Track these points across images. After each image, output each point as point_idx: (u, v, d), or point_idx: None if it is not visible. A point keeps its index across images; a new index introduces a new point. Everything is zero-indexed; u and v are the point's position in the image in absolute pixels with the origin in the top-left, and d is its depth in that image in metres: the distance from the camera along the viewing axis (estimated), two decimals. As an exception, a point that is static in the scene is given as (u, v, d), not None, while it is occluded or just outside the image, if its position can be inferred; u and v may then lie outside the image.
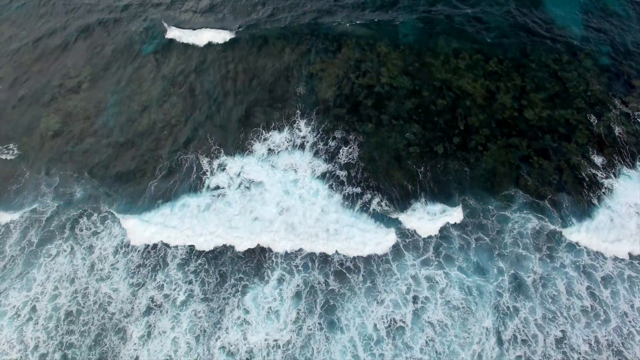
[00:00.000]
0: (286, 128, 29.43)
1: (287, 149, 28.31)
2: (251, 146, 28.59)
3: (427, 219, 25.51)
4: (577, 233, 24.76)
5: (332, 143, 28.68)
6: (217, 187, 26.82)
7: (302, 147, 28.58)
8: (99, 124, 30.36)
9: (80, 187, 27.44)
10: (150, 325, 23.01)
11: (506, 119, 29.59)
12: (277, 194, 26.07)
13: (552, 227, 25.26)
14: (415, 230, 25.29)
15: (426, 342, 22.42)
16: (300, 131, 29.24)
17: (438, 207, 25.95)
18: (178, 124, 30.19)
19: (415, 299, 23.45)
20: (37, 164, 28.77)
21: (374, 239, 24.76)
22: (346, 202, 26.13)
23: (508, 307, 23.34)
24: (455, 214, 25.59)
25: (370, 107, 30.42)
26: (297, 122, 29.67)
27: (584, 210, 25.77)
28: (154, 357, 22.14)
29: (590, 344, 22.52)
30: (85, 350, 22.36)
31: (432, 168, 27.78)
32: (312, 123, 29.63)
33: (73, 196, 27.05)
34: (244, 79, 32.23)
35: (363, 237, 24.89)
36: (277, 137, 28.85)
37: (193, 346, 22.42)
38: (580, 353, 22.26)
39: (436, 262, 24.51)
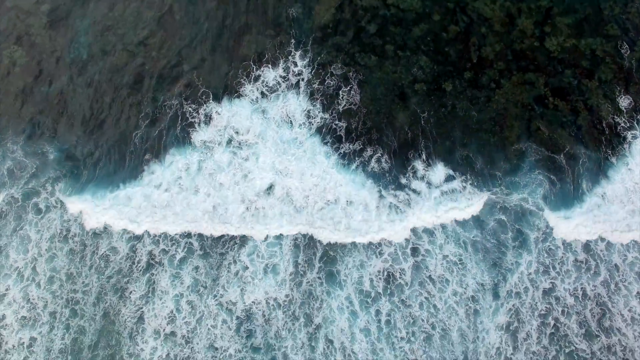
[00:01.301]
0: (280, 62, 26.47)
1: (281, 92, 25.80)
2: (241, 87, 26.00)
3: (425, 186, 24.23)
4: (590, 199, 23.71)
5: (330, 81, 26.06)
6: (206, 145, 25.01)
7: (297, 87, 26.03)
8: (71, 58, 27.26)
9: (58, 141, 25.64)
10: (150, 283, 23.50)
11: (524, 50, 26.46)
12: (271, 159, 24.39)
13: (564, 189, 24.14)
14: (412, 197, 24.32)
15: (425, 298, 23.12)
16: (296, 66, 26.37)
17: (439, 170, 24.45)
18: (159, 57, 27.07)
19: (414, 251, 23.49)
20: (10, 109, 26.55)
21: (373, 204, 23.93)
22: (344, 162, 24.67)
23: (510, 262, 23.55)
24: (457, 184, 24.28)
25: (374, 34, 26.98)
26: (292, 53, 26.57)
27: (600, 167, 24.33)
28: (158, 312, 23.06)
29: (576, 296, 23.26)
30: (90, 307, 23.20)
31: (437, 111, 25.67)
32: (308, 55, 26.56)
33: (48, 154, 25.40)
34: (230, -2, 28.08)
35: (363, 204, 24.01)
36: (269, 75, 26.10)
37: (195, 304, 23.19)
38: (566, 305, 23.11)
39: (435, 218, 24.05)
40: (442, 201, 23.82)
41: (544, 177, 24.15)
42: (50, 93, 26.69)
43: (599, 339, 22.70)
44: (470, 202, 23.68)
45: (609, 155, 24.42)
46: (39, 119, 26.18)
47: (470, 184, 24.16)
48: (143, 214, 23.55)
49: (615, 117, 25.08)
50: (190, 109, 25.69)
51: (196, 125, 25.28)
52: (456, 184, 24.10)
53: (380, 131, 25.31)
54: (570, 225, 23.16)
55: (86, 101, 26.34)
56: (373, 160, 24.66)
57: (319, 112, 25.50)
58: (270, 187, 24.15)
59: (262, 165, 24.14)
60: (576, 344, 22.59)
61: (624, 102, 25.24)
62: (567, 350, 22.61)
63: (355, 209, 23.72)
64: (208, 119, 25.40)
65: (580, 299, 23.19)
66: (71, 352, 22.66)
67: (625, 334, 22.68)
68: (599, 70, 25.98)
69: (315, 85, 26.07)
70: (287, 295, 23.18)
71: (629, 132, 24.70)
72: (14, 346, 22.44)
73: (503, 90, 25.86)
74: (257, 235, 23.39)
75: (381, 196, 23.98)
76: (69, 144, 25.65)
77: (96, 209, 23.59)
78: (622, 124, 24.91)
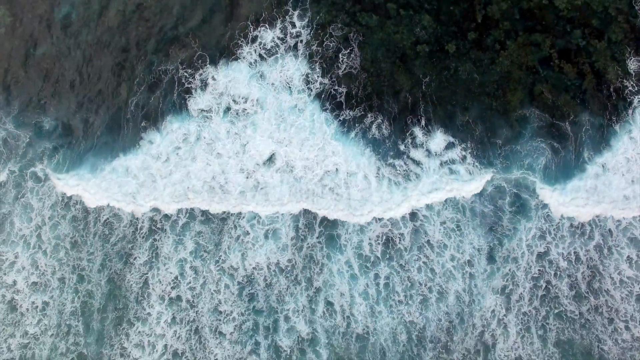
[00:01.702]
0: (278, 22, 25.44)
1: (279, 55, 25.00)
2: (238, 49, 25.16)
3: (424, 156, 24.06)
4: (591, 168, 23.67)
5: (329, 43, 25.19)
6: (203, 113, 24.53)
7: (295, 49, 25.20)
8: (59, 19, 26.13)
9: (52, 108, 25.14)
10: (154, 249, 24.05)
11: (532, 9, 25.34)
12: (270, 128, 24.00)
13: (565, 159, 24.02)
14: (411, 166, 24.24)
15: (423, 262, 23.78)
16: (294, 26, 25.38)
17: (438, 138, 24.20)
18: (152, 16, 25.97)
19: (413, 216, 23.86)
20: None
21: (372, 173, 23.92)
22: (344, 129, 24.37)
23: (507, 228, 23.99)
24: (457, 153, 24.07)
25: (376, -10, 25.73)
26: (289, 12, 25.49)
27: (603, 136, 24.08)
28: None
29: (569, 260, 23.92)
30: (96, 274, 23.90)
31: (439, 74, 25.03)
32: (307, 15, 25.49)
33: (43, 124, 24.99)
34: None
35: (363, 174, 23.99)
36: (267, 37, 25.17)
37: (198, 269, 23.88)
38: (559, 268, 23.82)
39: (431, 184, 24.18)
40: (443, 177, 23.80)
41: (545, 146, 24.02)
42: (38, 57, 25.86)
43: (587, 300, 23.62)
44: (472, 178, 23.71)
45: (613, 122, 24.13)
46: (28, 85, 25.53)
47: (470, 153, 24.07)
48: (144, 187, 23.64)
49: (624, 80, 24.49)
50: (186, 74, 25.01)
51: (193, 91, 24.73)
52: (456, 153, 24.00)
53: (381, 96, 24.84)
54: (567, 199, 23.38)
55: (77, 65, 25.58)
56: (373, 127, 24.41)
57: (318, 76, 24.88)
58: (271, 158, 24.06)
59: (261, 135, 23.90)
60: (566, 305, 23.53)
61: (633, 64, 24.55)
62: (556, 311, 23.59)
63: (355, 180, 23.79)
64: (204, 84, 24.81)
65: (573, 262, 23.87)
66: (82, 314, 23.62)
67: (612, 296, 23.56)
68: (609, 30, 25.04)
69: (314, 47, 25.25)
70: (289, 260, 23.81)
71: (636, 97, 24.25)
72: (28, 309, 23.36)
73: (508, 52, 25.08)
74: (259, 210, 23.63)
75: (380, 170, 23.97)
76: (62, 111, 25.20)
77: (93, 189, 23.64)
78: (630, 88, 24.39)
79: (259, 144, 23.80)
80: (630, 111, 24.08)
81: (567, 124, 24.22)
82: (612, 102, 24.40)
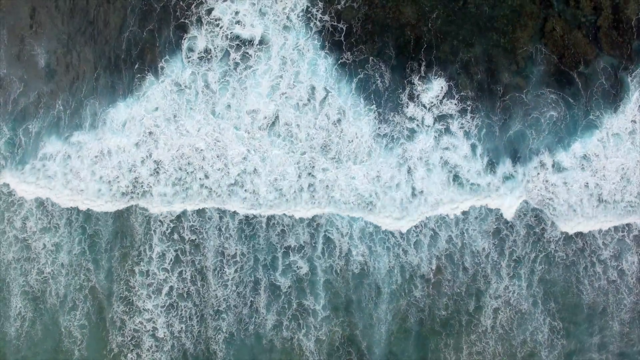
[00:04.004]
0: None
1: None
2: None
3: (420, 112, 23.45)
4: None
5: (330, -28, 23.35)
6: (201, 60, 23.54)
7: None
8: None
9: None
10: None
11: None
12: (269, 82, 23.14)
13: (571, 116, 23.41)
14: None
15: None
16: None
17: (436, 82, 23.36)
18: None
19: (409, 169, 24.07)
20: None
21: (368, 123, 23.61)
22: (343, 76, 23.51)
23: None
24: (453, 106, 23.41)
25: None
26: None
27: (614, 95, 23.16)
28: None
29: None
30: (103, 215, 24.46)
31: (447, 6, 23.51)
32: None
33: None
34: None
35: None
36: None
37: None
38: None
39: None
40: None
41: (555, 96, 23.34)
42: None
43: (575, 242, 24.19)
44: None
45: (624, 68, 23.21)
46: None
47: (469, 105, 23.48)
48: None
49: (641, 16, 23.09)
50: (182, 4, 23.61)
51: (190, 26, 23.51)
52: (453, 107, 23.53)
53: (382, 35, 23.56)
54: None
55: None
56: (372, 75, 23.66)
57: (317, 11, 23.42)
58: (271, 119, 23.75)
59: (262, 91, 23.40)
60: (555, 251, 24.09)
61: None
62: (543, 254, 24.19)
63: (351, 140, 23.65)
64: (199, 21, 23.54)
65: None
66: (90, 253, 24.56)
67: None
68: (632, -42, 23.02)
69: (314, -22, 23.46)
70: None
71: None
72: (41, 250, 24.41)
73: (521, -18, 23.35)
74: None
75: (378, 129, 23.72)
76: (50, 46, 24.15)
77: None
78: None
79: (258, 102, 23.36)
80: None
81: (574, 74, 23.34)
82: (625, 40, 23.21)
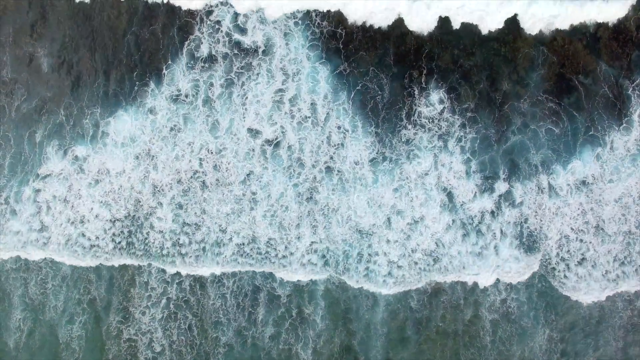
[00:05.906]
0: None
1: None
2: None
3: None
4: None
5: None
6: (203, 67, 23.46)
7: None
8: None
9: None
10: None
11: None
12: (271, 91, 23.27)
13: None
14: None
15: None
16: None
17: (435, 95, 23.26)
18: None
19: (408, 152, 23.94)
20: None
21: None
22: (341, 86, 23.41)
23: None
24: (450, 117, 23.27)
25: None
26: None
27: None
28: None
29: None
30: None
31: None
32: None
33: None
34: None
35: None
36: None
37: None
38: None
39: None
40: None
41: (547, 110, 23.13)
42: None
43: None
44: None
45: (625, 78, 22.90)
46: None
47: (469, 115, 23.35)
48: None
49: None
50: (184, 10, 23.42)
51: (193, 25, 23.36)
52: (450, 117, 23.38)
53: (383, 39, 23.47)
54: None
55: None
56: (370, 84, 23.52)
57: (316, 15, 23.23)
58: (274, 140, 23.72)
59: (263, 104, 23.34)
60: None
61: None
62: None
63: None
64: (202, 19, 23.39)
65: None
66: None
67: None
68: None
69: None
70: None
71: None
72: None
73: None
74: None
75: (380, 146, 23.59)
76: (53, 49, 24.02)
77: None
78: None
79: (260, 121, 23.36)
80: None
81: (576, 79, 23.08)
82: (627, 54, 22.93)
